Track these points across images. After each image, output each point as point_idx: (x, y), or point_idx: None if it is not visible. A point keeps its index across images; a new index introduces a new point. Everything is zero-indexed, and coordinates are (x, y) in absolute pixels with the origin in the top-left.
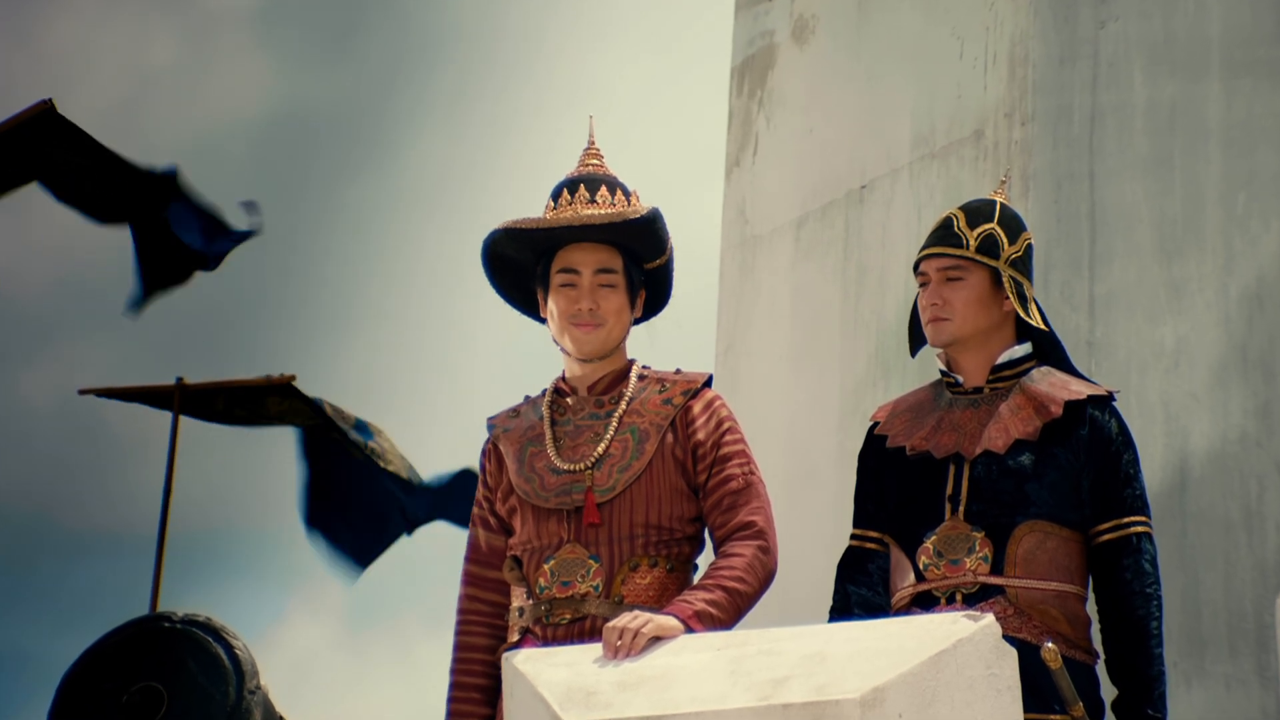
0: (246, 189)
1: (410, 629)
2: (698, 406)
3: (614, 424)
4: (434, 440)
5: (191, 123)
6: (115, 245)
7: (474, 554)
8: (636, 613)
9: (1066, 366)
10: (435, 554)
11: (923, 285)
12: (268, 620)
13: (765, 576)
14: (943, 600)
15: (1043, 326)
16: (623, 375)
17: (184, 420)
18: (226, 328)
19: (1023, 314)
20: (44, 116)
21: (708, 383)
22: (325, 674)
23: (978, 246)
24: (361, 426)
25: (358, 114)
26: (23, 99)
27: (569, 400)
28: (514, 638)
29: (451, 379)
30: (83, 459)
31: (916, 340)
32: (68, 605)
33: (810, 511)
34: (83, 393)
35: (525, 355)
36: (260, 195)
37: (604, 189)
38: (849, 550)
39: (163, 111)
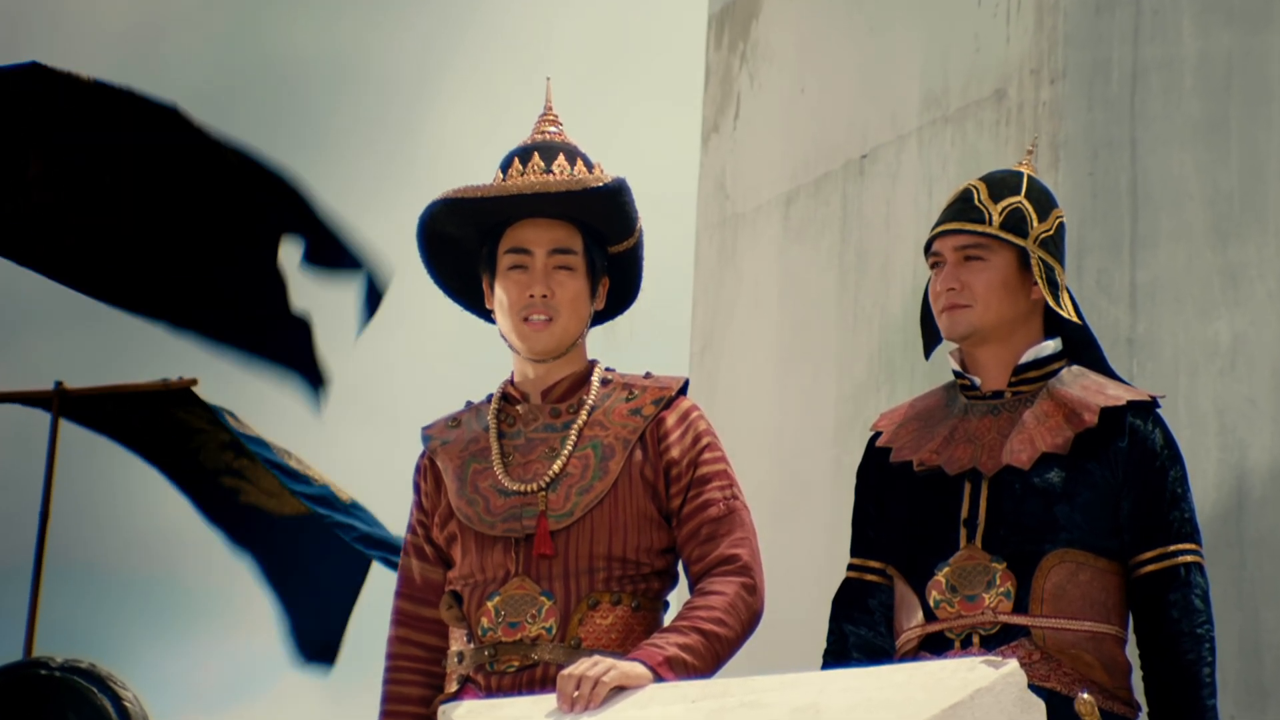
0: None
1: None
2: (671, 418)
3: (573, 437)
4: (360, 453)
5: (207, 60)
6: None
7: (406, 588)
8: (597, 658)
9: (1102, 367)
10: None
11: (935, 268)
12: (242, 674)
13: (749, 619)
14: (957, 643)
15: (1076, 319)
16: (583, 379)
17: (70, 429)
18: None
19: (1053, 303)
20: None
21: (683, 389)
22: None
23: (1002, 223)
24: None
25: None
26: (33, 31)
27: (519, 408)
28: (452, 687)
29: (388, 380)
30: None
31: (930, 337)
32: None
33: (802, 538)
34: None
35: (468, 355)
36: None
37: (562, 157)
38: (846, 583)
39: (180, 46)
